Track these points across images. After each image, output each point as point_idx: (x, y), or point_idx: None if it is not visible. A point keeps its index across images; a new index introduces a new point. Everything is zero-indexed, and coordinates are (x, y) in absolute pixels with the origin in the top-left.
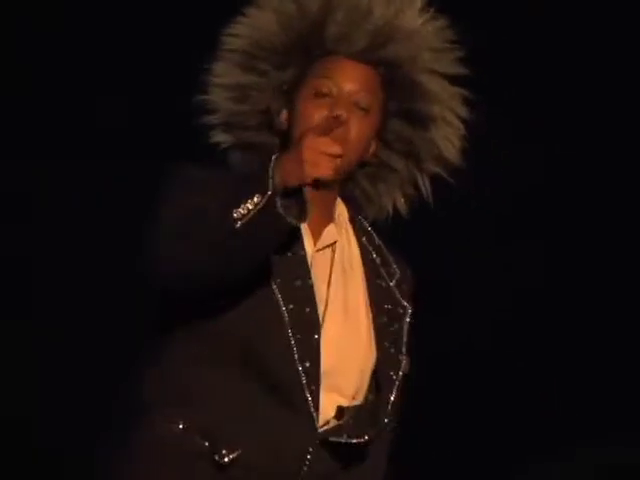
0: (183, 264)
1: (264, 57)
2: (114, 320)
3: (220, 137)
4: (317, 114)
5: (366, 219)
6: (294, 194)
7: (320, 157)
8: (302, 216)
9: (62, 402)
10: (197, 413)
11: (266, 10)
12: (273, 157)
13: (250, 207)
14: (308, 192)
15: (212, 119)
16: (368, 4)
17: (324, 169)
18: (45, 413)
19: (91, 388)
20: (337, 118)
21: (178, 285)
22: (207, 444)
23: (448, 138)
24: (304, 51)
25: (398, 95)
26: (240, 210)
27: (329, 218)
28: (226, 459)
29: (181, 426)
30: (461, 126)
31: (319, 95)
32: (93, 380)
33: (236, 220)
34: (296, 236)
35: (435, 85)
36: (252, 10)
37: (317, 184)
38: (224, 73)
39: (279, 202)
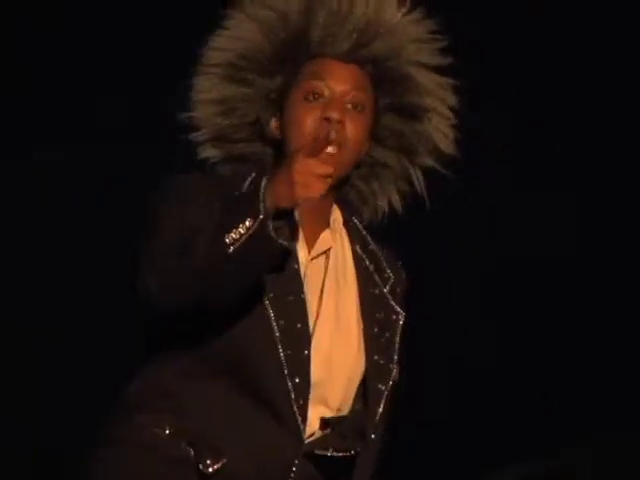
0: (178, 291)
1: (250, 68)
2: (116, 320)
3: (209, 152)
4: (309, 118)
5: (362, 222)
6: (285, 215)
7: (311, 178)
8: (294, 237)
9: (62, 402)
10: (184, 420)
11: (246, 21)
12: (263, 180)
13: (242, 232)
14: (299, 213)
15: (199, 135)
16: (349, 4)
17: (315, 190)
18: (45, 413)
19: (92, 388)
20: (330, 120)
21: (174, 310)
22: (192, 452)
23: (441, 129)
24: (289, 57)
25: (388, 90)
26: (232, 235)
27: (325, 224)
28: (210, 469)
29: (168, 431)
30: (452, 116)
31: (310, 98)
32: (94, 380)
33: (228, 245)
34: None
35: (423, 77)
36: (232, 22)
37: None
38: (209, 88)
39: (271, 225)
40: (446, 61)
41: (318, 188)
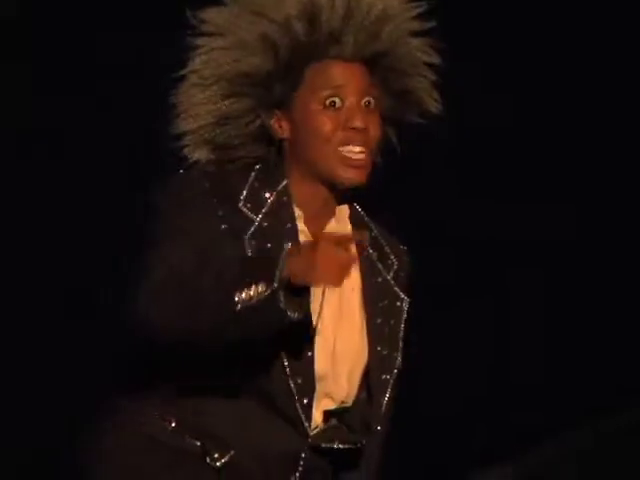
0: (177, 332)
1: (251, 82)
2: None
3: (201, 154)
4: (331, 126)
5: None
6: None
7: (333, 267)
8: (304, 308)
9: (60, 402)
10: (189, 415)
11: (241, 30)
12: (285, 248)
13: (252, 294)
14: (313, 290)
15: (188, 139)
16: (347, 2)
17: (334, 280)
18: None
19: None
20: (356, 129)
21: (168, 344)
22: (199, 444)
23: (430, 94)
24: (292, 64)
25: (383, 77)
26: (243, 295)
27: (330, 213)
28: (218, 463)
29: (173, 424)
30: (436, 77)
31: (327, 105)
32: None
33: (237, 303)
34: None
35: (409, 48)
36: (222, 30)
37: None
38: (205, 101)
39: (282, 295)
40: (429, 25)
41: (337, 278)
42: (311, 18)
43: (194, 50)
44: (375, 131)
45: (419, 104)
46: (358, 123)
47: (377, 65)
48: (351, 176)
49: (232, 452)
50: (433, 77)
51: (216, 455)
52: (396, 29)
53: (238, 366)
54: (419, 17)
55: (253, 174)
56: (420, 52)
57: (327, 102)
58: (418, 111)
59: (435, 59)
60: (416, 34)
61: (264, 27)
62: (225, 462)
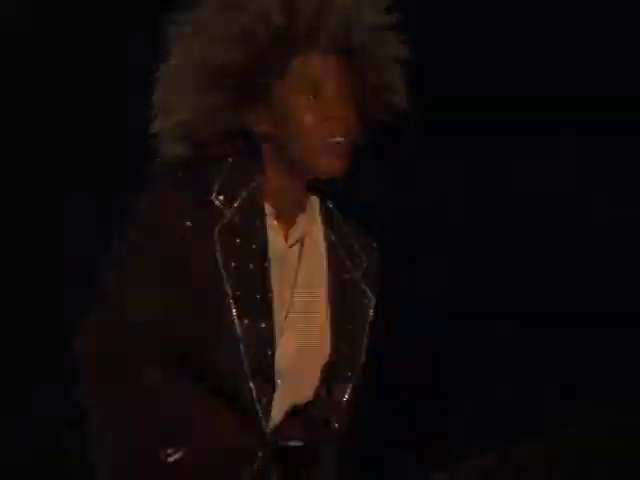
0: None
1: (232, 74)
2: None
3: (177, 151)
4: (313, 117)
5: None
6: None
7: None
8: None
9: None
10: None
11: (221, 25)
12: None
13: None
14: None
15: (164, 137)
16: None
17: None
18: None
19: None
20: (338, 118)
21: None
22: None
23: (399, 89)
24: (272, 57)
25: (358, 72)
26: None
27: (301, 209)
28: (170, 459)
29: None
30: (404, 72)
31: (310, 97)
32: None
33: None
34: (262, 242)
35: (378, 41)
36: (201, 26)
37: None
38: (185, 98)
39: None
40: (392, 17)
41: None
42: (289, 9)
43: (172, 48)
44: (355, 122)
45: (391, 100)
46: (340, 112)
47: (354, 58)
48: (334, 165)
49: (185, 449)
50: (403, 71)
51: (169, 451)
52: (369, 20)
53: (202, 362)
54: (389, 9)
55: (227, 166)
56: (392, 46)
57: (309, 94)
58: (388, 109)
59: (405, 53)
60: (387, 27)
61: (243, 20)
62: (177, 458)
